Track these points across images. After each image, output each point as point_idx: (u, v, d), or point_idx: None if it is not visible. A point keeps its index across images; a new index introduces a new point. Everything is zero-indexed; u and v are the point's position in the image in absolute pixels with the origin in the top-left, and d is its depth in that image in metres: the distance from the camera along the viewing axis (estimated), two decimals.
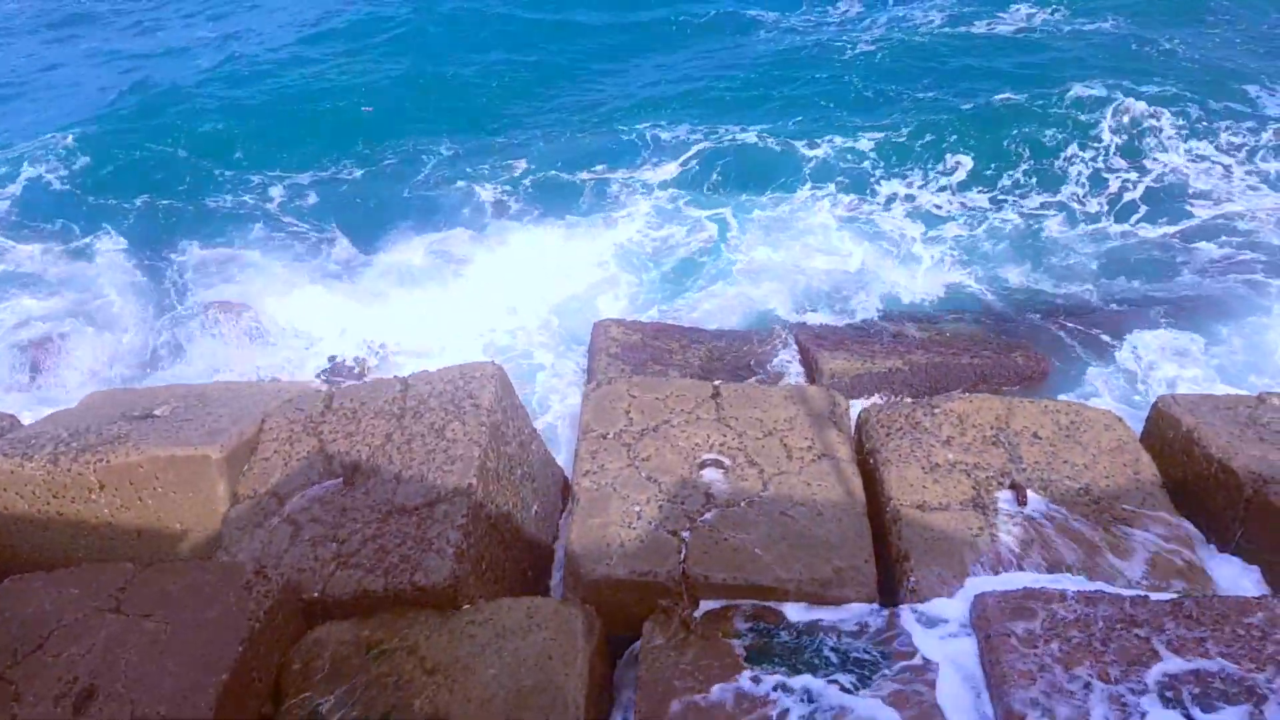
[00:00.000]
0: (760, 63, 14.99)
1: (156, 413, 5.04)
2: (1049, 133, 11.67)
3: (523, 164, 11.80)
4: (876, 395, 7.10)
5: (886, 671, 3.70)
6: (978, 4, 16.46)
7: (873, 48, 14.79)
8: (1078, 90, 12.42)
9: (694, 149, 11.88)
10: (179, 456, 4.58)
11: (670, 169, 11.52)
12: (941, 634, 3.85)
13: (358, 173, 12.24)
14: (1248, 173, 10.42)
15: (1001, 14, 15.96)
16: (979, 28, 15.45)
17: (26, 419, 5.53)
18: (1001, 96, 12.68)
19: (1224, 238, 9.19)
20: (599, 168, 11.78)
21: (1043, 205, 10.29)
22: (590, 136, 12.75)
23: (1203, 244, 9.19)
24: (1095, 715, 3.25)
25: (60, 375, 8.28)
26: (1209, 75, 12.73)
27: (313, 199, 11.53)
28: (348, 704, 3.67)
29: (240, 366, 7.91)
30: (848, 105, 13.13)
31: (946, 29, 15.52)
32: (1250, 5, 15.51)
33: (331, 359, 7.93)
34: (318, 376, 7.51)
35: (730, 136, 12.16)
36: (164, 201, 11.59)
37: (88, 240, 10.83)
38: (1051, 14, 15.63)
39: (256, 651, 3.73)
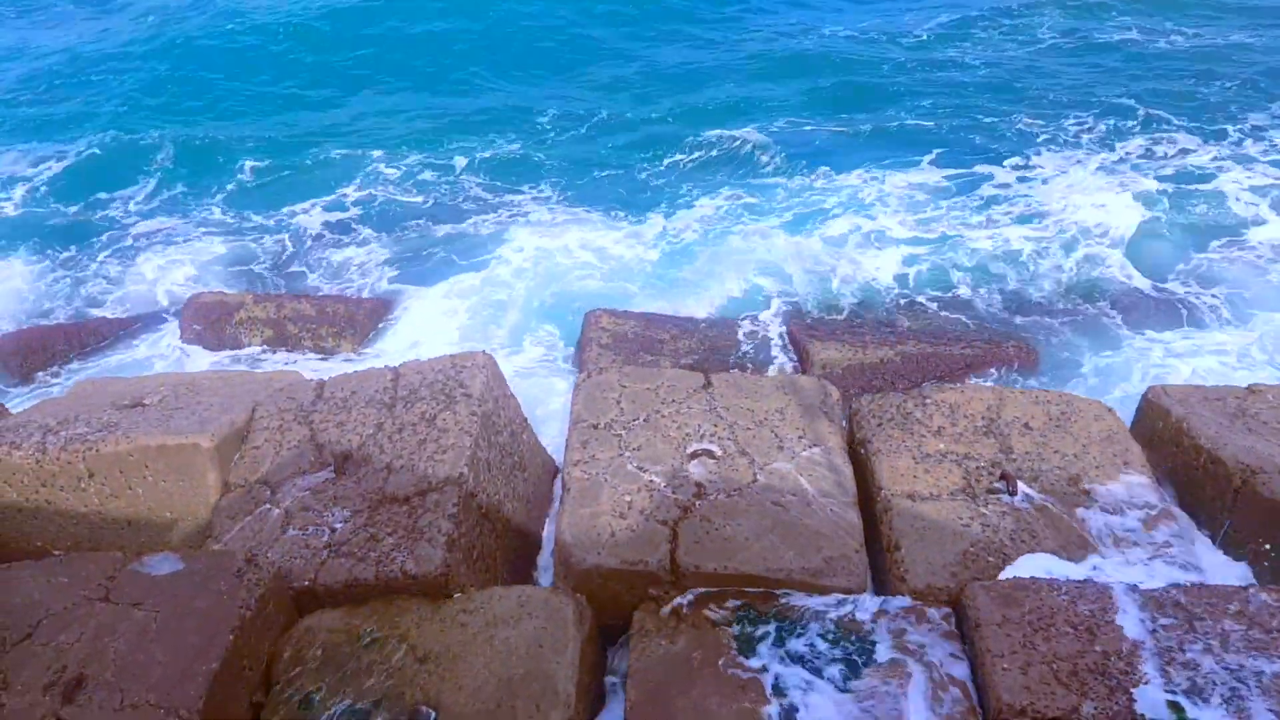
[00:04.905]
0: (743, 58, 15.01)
1: (146, 401, 5.02)
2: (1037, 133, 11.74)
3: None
4: (868, 384, 7.11)
5: (876, 661, 3.71)
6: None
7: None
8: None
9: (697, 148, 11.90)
10: (169, 445, 4.57)
11: (667, 161, 11.53)
12: (931, 624, 3.86)
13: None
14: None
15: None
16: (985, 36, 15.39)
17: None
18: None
19: (1223, 236, 9.24)
20: (608, 161, 11.77)
21: (1037, 199, 10.29)
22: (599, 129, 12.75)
23: (1199, 238, 9.23)
24: (1085, 706, 3.27)
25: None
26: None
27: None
28: (339, 693, 3.67)
29: None
30: (826, 105, 13.24)
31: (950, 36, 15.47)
32: None
33: None
34: None
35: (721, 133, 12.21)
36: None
37: None
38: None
39: (247, 640, 3.72)
